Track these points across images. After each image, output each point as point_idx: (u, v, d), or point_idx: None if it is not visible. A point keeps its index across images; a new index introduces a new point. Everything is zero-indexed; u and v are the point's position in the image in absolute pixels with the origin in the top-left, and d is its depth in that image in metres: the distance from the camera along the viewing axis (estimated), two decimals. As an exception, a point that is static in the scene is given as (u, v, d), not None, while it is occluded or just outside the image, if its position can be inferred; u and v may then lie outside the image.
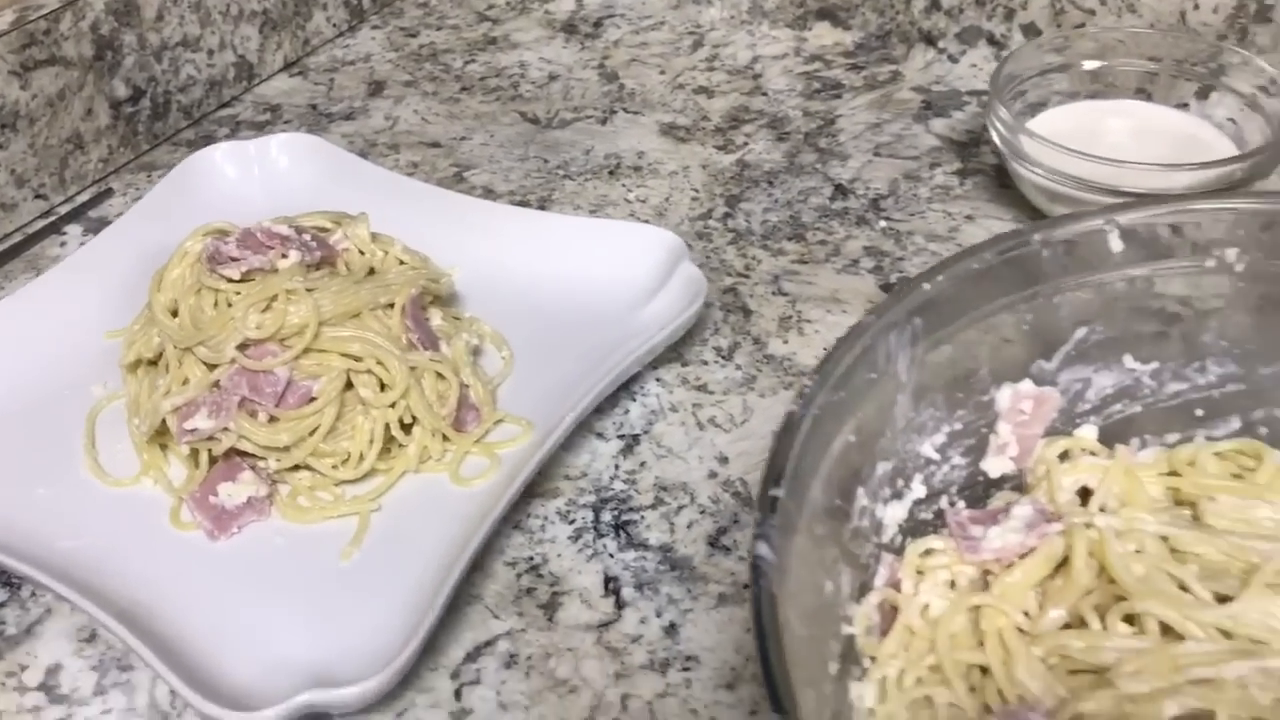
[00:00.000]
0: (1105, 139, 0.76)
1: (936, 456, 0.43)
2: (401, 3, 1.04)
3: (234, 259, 0.56)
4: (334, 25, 0.99)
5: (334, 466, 0.57)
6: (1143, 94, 0.82)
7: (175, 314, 0.58)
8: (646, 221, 0.75)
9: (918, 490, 0.43)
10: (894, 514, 0.42)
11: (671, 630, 0.51)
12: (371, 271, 0.61)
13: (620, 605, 0.52)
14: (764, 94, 0.88)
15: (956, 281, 0.41)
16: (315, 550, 0.54)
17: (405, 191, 0.73)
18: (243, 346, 0.55)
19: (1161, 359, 0.46)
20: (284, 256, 0.58)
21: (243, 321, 0.55)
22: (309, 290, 0.56)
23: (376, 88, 0.92)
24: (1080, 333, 0.45)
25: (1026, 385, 0.45)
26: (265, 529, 0.55)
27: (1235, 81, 0.76)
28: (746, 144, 0.83)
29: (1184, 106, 0.79)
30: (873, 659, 0.41)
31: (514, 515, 0.57)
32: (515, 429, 0.59)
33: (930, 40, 0.90)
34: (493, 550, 0.56)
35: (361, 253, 0.62)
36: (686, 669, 0.49)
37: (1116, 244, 0.43)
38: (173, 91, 0.86)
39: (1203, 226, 0.43)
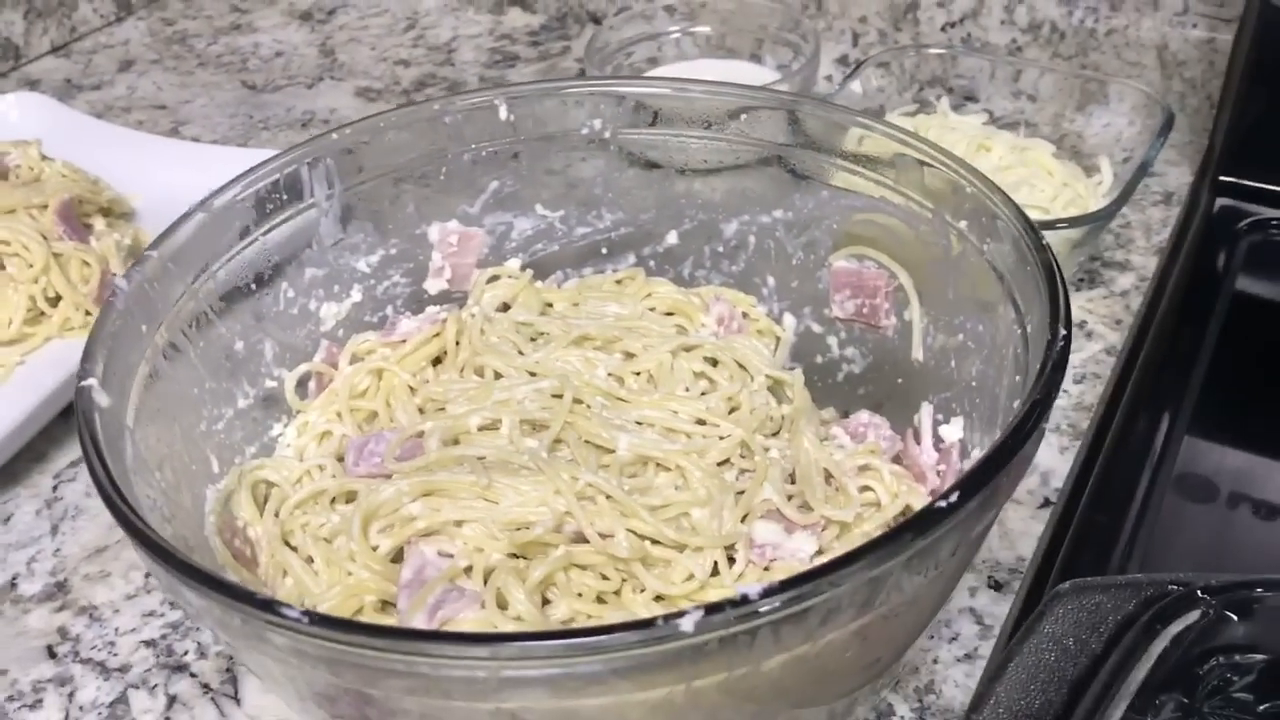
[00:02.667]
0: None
1: (371, 271, 0.58)
2: (168, -2, 1.19)
3: (-100, 166, 0.70)
4: (101, 16, 1.14)
5: (-12, 332, 0.70)
6: (755, 58, 0.99)
7: None
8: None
9: (356, 296, 0.58)
10: (331, 311, 0.57)
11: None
12: (37, 182, 0.75)
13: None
14: (452, 65, 1.04)
15: (368, 135, 0.56)
16: (-33, 394, 0.68)
17: (112, 136, 0.88)
18: (-91, 234, 0.69)
19: (566, 208, 0.61)
20: (-50, 166, 0.72)
21: (-94, 213, 0.69)
22: (-32, 190, 0.71)
23: (126, 65, 1.07)
24: (493, 185, 0.59)
25: (453, 224, 0.59)
26: (-67, 381, 0.69)
27: (811, 47, 0.92)
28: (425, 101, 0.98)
29: (784, 67, 0.95)
30: (300, 412, 0.55)
31: (139, 370, 0.71)
32: (150, 306, 0.73)
33: (596, 20, 1.06)
34: (114, 394, 0.70)
35: (31, 168, 0.76)
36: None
37: (505, 113, 0.58)
38: (-62, 66, 1.00)
39: (579, 103, 0.58)
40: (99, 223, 0.77)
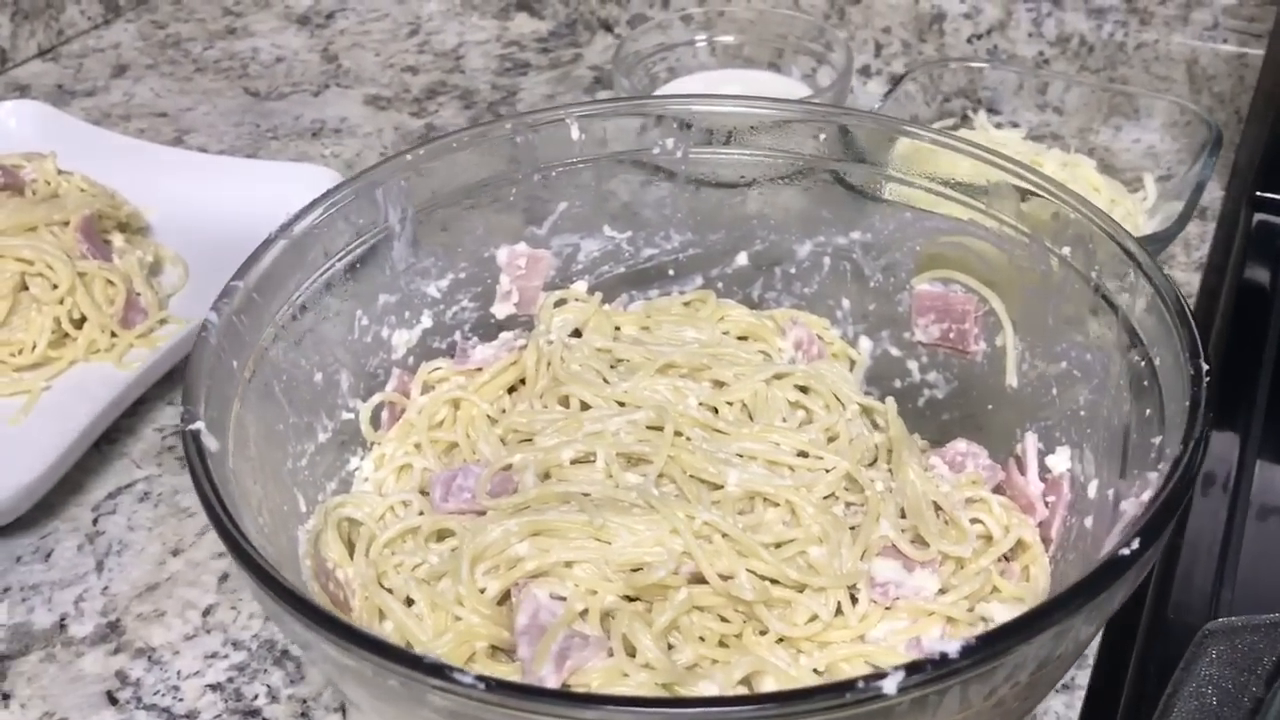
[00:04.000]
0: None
1: (440, 296, 0.56)
2: (157, -1, 1.15)
3: (-82, 181, 0.67)
4: (89, 18, 1.10)
5: (12, 355, 0.67)
6: (774, 67, 0.98)
7: (-124, 231, 0.68)
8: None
9: (426, 322, 0.56)
10: (403, 338, 0.55)
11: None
12: (55, 197, 0.72)
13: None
14: (462, 72, 1.01)
15: (440, 156, 0.53)
16: (-9, 420, 0.65)
17: (117, 146, 0.85)
18: (-73, 252, 0.66)
19: (634, 229, 0.59)
20: (-33, 181, 0.68)
21: (-75, 230, 0.66)
22: (-13, 207, 0.67)
23: (120, 70, 1.03)
24: (562, 205, 0.58)
25: (521, 246, 0.57)
26: (-45, 408, 0.66)
27: (836, 57, 0.91)
28: (437, 111, 0.96)
29: (809, 77, 0.94)
30: (376, 444, 0.53)
31: (170, 394, 0.68)
32: (177, 327, 0.71)
33: (608, 27, 1.04)
34: (146, 420, 0.67)
35: (48, 183, 0.73)
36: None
37: (576, 133, 0.56)
38: (-76, 70, 0.96)
39: (652, 122, 0.57)
40: (117, 239, 0.74)
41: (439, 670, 0.31)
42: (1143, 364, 0.44)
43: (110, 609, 0.56)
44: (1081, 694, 0.51)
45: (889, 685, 0.30)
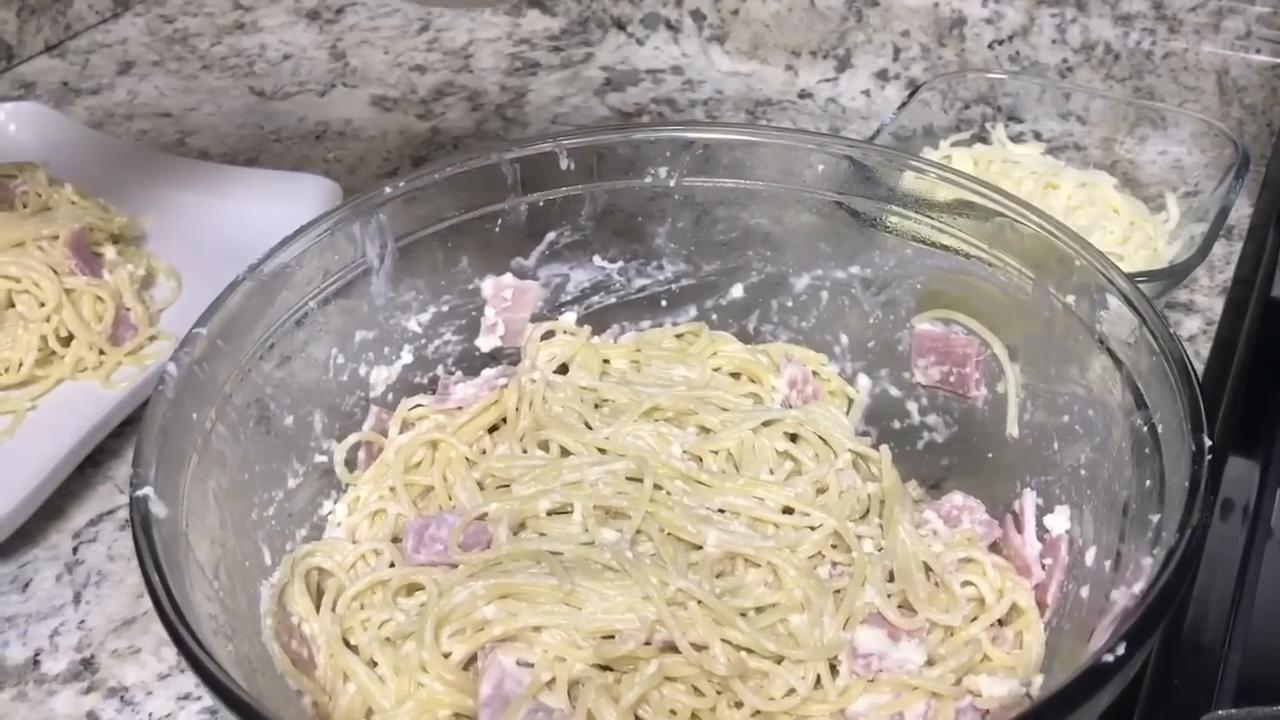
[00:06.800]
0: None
1: (422, 331, 0.54)
2: (166, -8, 1.14)
3: (-98, 195, 0.66)
4: (97, 12, 1.08)
5: (-3, 374, 0.66)
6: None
7: None
8: (337, 178, 0.85)
9: (406, 358, 0.54)
10: (382, 375, 0.53)
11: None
12: (46, 210, 0.71)
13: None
14: (470, 71, 0.99)
15: (423, 187, 0.52)
16: (-24, 441, 0.64)
17: (117, 151, 0.83)
18: (-88, 269, 0.65)
19: (625, 259, 0.57)
20: (-46, 194, 0.67)
21: (-91, 247, 0.64)
22: (-26, 222, 0.66)
23: (126, 67, 1.02)
24: (550, 235, 0.56)
25: (507, 278, 0.56)
26: (-61, 429, 0.65)
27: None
28: (444, 113, 0.94)
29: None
30: (351, 485, 0.51)
31: (158, 414, 0.67)
32: (167, 345, 0.69)
33: (620, 25, 1.01)
34: (131, 442, 0.65)
35: (39, 195, 0.72)
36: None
37: (565, 162, 0.54)
38: (-72, 68, 0.95)
39: (640, 150, 0.55)
40: (109, 251, 0.72)
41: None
42: (1145, 428, 0.41)
43: (85, 644, 0.55)
44: (1079, 759, 0.49)
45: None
